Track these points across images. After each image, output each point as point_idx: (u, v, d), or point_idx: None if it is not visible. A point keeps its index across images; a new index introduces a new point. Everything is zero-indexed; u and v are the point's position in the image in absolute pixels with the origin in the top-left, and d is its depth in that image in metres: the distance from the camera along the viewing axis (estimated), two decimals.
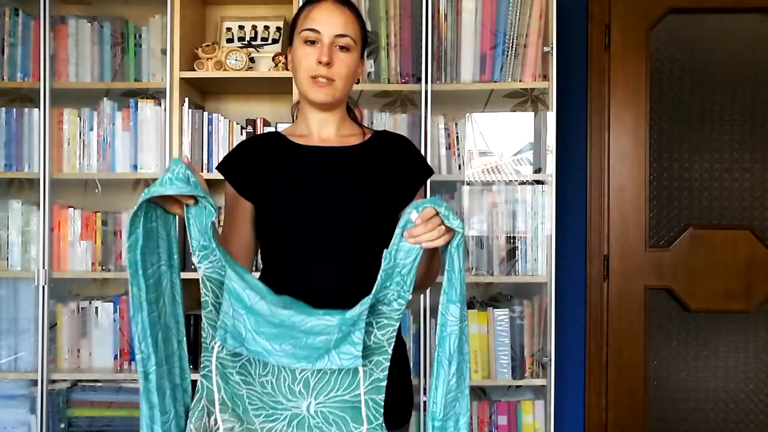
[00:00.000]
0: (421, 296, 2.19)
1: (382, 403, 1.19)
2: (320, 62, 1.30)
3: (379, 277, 1.17)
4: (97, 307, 2.36)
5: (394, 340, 1.20)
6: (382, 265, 1.16)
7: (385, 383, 1.20)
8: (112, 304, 2.36)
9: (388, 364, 1.20)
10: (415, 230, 1.14)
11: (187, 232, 1.19)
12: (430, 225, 1.13)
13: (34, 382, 2.29)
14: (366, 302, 1.15)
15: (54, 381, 2.31)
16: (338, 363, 1.16)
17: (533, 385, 2.35)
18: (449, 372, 1.19)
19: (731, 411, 2.65)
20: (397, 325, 1.20)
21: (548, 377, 2.24)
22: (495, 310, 2.31)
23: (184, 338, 1.27)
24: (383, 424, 1.19)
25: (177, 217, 1.22)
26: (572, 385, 2.61)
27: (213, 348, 1.22)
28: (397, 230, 1.16)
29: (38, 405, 2.26)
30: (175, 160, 1.15)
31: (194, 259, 1.20)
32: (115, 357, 2.35)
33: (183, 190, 1.13)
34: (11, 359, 2.36)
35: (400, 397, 1.36)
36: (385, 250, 1.16)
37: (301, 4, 1.40)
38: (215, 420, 1.23)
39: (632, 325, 2.60)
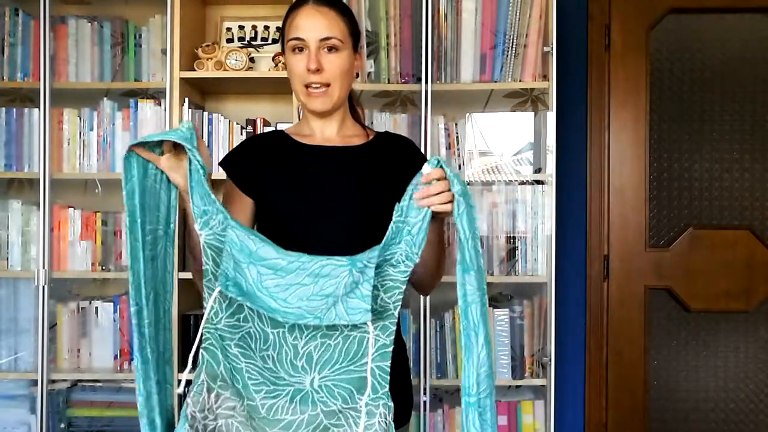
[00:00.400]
0: (421, 296, 2.19)
1: (389, 370, 1.17)
2: (309, 70, 1.30)
3: (389, 229, 1.17)
4: (97, 307, 2.36)
5: (400, 304, 1.19)
6: (393, 217, 1.17)
7: (391, 349, 1.18)
8: (112, 304, 2.36)
9: (395, 329, 1.19)
10: (421, 191, 1.16)
11: (191, 202, 1.20)
12: (438, 186, 1.15)
13: (34, 382, 2.28)
14: (375, 249, 1.15)
15: (54, 381, 2.31)
16: (346, 318, 1.13)
17: (533, 385, 2.35)
18: (478, 344, 1.17)
19: (731, 411, 2.65)
20: (403, 288, 1.19)
21: (548, 377, 2.24)
22: (495, 310, 2.31)
23: (171, 308, 1.27)
24: (389, 393, 1.17)
25: (177, 192, 1.24)
26: (572, 385, 2.61)
27: (219, 316, 1.20)
28: (409, 187, 1.18)
29: (38, 405, 2.26)
30: (186, 123, 1.18)
31: (196, 227, 1.21)
32: (115, 357, 2.35)
33: (181, 139, 1.15)
34: (11, 359, 2.36)
35: (400, 397, 1.36)
36: (397, 203, 1.17)
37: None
38: (216, 397, 1.20)
39: (632, 325, 2.60)
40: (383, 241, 1.17)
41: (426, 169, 1.17)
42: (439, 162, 1.17)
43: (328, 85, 1.33)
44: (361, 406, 1.16)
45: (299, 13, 1.33)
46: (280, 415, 1.17)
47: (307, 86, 1.33)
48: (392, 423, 1.18)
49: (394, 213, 1.17)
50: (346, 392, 1.17)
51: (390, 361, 1.17)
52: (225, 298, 1.19)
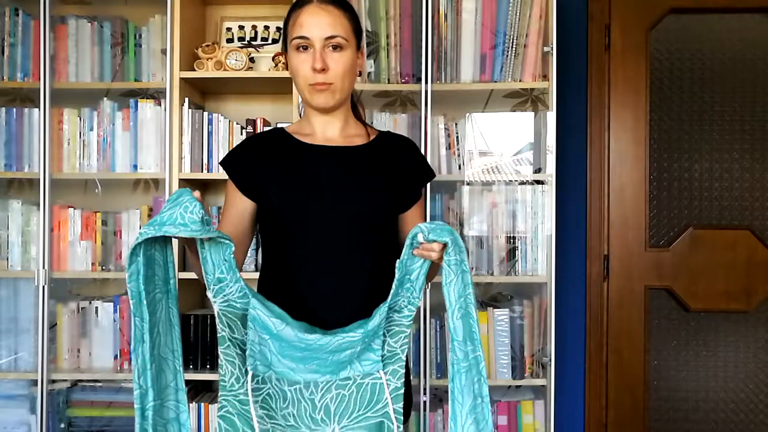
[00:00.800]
0: (421, 296, 2.18)
1: (402, 411, 1.23)
2: (315, 69, 1.30)
3: (393, 286, 1.21)
4: (97, 307, 2.36)
5: (406, 347, 1.23)
6: (396, 275, 1.21)
7: (402, 391, 1.23)
8: (112, 304, 2.36)
9: (404, 371, 1.23)
10: (420, 249, 1.20)
11: (203, 268, 1.17)
12: (437, 253, 1.19)
13: (34, 382, 2.28)
14: (383, 310, 1.18)
15: (54, 381, 2.31)
16: (360, 370, 1.20)
17: (533, 385, 2.35)
18: (463, 416, 1.19)
19: (731, 411, 2.65)
20: (408, 332, 1.23)
21: (548, 377, 2.24)
22: (495, 310, 2.31)
23: (181, 368, 1.22)
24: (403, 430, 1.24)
25: (172, 239, 1.17)
26: (572, 385, 2.61)
27: (241, 382, 1.20)
28: (407, 241, 1.20)
29: (38, 405, 2.26)
30: (187, 195, 1.10)
31: (209, 294, 1.19)
32: (115, 357, 2.35)
33: (198, 233, 1.09)
34: (11, 359, 2.36)
35: None
36: (398, 261, 1.21)
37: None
38: None
39: (632, 325, 2.60)
40: (389, 298, 1.21)
41: (420, 237, 1.19)
42: (433, 239, 1.19)
43: (331, 83, 1.33)
44: None
45: (303, 12, 1.32)
46: None
47: (311, 85, 1.33)
48: None
49: (396, 270, 1.21)
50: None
51: (402, 403, 1.24)
52: (244, 363, 1.21)
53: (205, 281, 1.18)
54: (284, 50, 1.40)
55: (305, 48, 1.32)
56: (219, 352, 1.21)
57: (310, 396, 1.21)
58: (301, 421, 1.21)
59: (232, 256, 1.17)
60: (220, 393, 1.21)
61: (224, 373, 1.20)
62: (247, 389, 1.20)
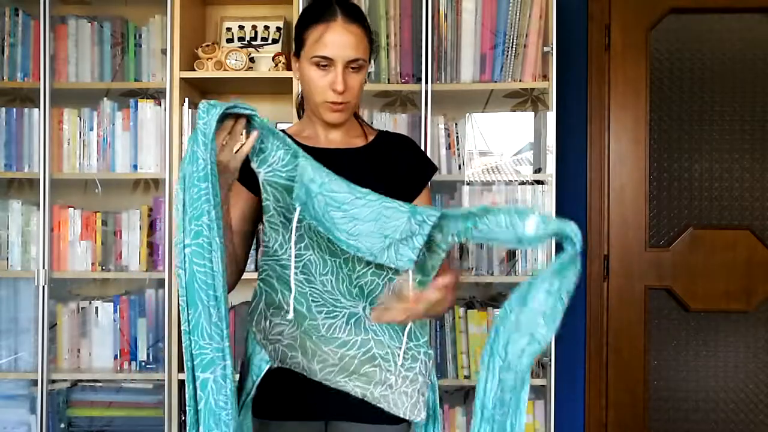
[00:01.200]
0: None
1: (427, 322, 1.31)
2: (335, 91, 1.30)
3: (461, 209, 1.22)
4: (97, 307, 2.36)
5: (438, 268, 1.26)
6: (475, 208, 1.20)
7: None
8: (112, 304, 2.36)
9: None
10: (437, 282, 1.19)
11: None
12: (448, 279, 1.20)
13: (34, 382, 2.29)
14: (437, 209, 1.20)
15: (54, 381, 2.31)
16: (394, 262, 1.21)
17: (533, 385, 2.34)
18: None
19: (731, 411, 2.65)
20: (444, 255, 1.26)
21: (548, 377, 2.24)
22: (495, 310, 2.31)
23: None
24: (428, 342, 1.31)
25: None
26: (572, 385, 2.61)
27: (284, 248, 1.24)
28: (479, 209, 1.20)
29: (38, 405, 2.26)
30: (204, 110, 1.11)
31: (253, 165, 1.23)
32: (115, 357, 2.35)
33: (234, 109, 1.13)
34: (11, 359, 2.36)
35: None
36: (479, 206, 1.20)
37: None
38: (269, 323, 1.29)
39: (632, 325, 2.60)
40: (447, 212, 1.21)
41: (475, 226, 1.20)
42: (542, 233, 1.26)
43: (348, 102, 1.33)
44: (402, 348, 1.28)
45: (328, 31, 1.30)
46: (337, 334, 1.27)
47: (328, 102, 1.33)
48: (433, 370, 1.33)
49: (480, 207, 1.19)
50: (391, 327, 1.27)
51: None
52: (288, 230, 1.24)
53: (249, 156, 1.22)
54: (292, 53, 1.38)
55: (324, 65, 1.31)
56: (263, 220, 1.27)
57: (348, 272, 1.25)
58: (338, 290, 1.26)
59: (264, 119, 1.19)
60: (261, 259, 1.29)
61: (268, 239, 1.27)
62: (290, 255, 1.24)
